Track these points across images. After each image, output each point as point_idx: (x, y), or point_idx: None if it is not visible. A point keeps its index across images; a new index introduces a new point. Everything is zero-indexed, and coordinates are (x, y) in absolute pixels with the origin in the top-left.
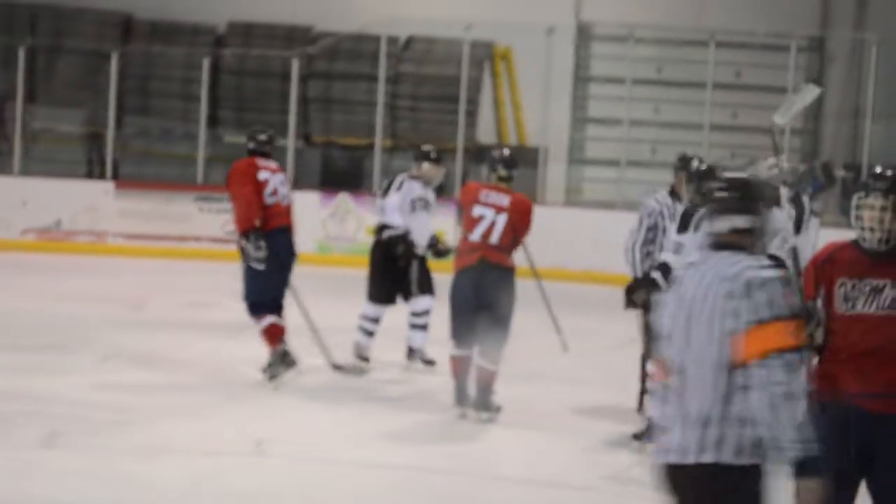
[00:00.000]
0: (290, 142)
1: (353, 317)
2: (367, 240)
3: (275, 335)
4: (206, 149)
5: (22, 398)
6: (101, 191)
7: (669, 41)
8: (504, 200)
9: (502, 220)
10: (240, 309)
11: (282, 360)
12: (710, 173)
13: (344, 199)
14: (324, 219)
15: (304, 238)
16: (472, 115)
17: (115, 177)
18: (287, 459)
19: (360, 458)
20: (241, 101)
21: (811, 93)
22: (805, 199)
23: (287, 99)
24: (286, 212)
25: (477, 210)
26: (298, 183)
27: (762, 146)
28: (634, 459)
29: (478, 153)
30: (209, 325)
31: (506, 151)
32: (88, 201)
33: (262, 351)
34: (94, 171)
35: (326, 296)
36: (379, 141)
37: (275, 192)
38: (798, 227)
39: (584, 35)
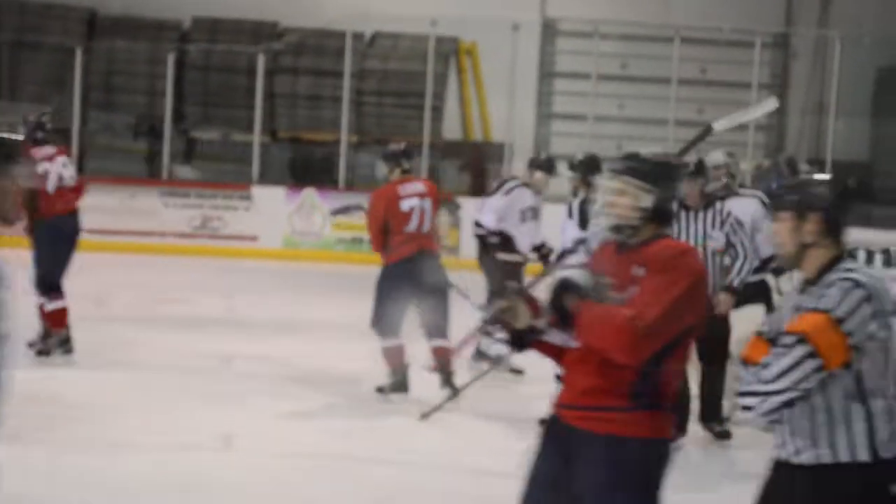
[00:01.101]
0: (256, 137)
1: (319, 310)
2: (333, 235)
3: (62, 318)
4: (171, 144)
5: None
6: None
7: (635, 37)
8: (419, 187)
9: (427, 204)
10: (206, 304)
11: (62, 344)
12: (593, 163)
13: (310, 194)
14: (290, 214)
15: (271, 233)
16: (437, 110)
17: (80, 172)
18: (254, 453)
19: (327, 451)
20: (207, 96)
21: (765, 107)
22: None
23: (253, 94)
24: (73, 194)
25: (405, 204)
26: (264, 178)
27: (728, 141)
28: None
29: (444, 149)
30: (174, 319)
31: (402, 145)
32: None
33: (227, 345)
34: None
35: (293, 291)
36: (345, 136)
37: (60, 179)
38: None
39: (549, 31)
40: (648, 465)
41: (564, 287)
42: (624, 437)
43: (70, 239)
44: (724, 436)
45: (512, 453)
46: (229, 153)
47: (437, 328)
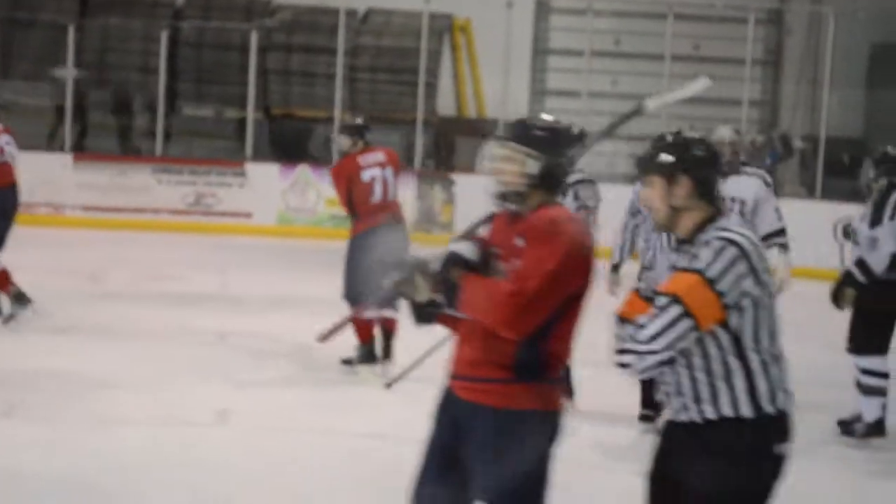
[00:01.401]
0: (250, 114)
1: (313, 286)
2: (327, 211)
3: (7, 280)
4: (164, 121)
5: None
6: (59, 163)
7: (628, 13)
8: (380, 156)
9: (389, 173)
10: (200, 280)
11: (19, 300)
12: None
13: (304, 171)
14: (284, 191)
15: (265, 210)
16: (431, 87)
17: (74, 149)
18: (249, 429)
19: (320, 426)
20: (200, 73)
21: (697, 86)
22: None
23: (246, 71)
24: (11, 170)
25: (366, 175)
26: (258, 154)
27: (722, 118)
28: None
29: (438, 126)
30: (168, 296)
31: (359, 119)
32: (46, 174)
33: (221, 321)
34: (61, 145)
35: (287, 267)
36: (338, 113)
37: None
38: None
39: (542, 7)
40: (533, 436)
41: (451, 260)
42: (507, 409)
43: (9, 211)
44: None
45: None
46: (222, 130)
47: (388, 299)
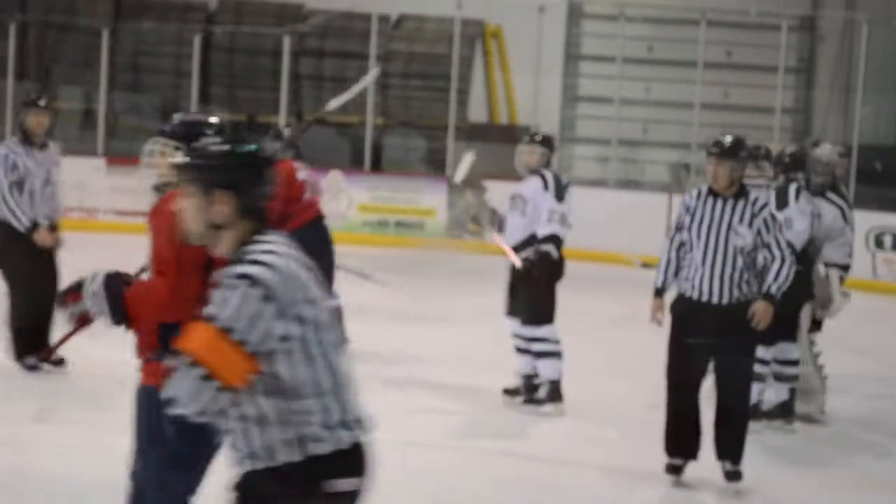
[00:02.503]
0: (282, 119)
1: (346, 293)
2: (359, 218)
3: None
4: None
5: (15, 373)
6: (91, 167)
7: (661, 20)
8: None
9: (313, 175)
10: None
11: None
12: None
13: (335, 176)
14: None
15: None
16: (462, 93)
17: (107, 153)
18: None
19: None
20: (233, 78)
21: (369, 78)
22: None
23: (278, 76)
24: None
25: (300, 174)
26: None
27: (754, 125)
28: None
29: (469, 132)
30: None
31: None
32: (79, 178)
33: None
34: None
35: None
36: (370, 119)
37: None
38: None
39: (575, 13)
40: (152, 411)
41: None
42: (142, 386)
43: None
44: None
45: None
46: (255, 135)
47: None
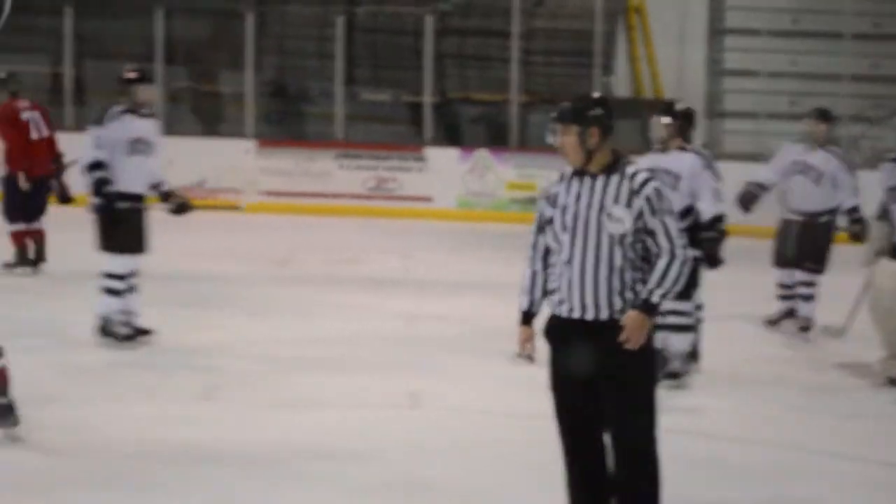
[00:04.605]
0: (427, 98)
1: (496, 270)
2: (507, 195)
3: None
4: (343, 106)
5: (178, 352)
6: (242, 150)
7: None
8: (26, 103)
9: (37, 115)
10: (385, 264)
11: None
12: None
13: (483, 154)
14: (463, 175)
15: (445, 194)
16: (606, 69)
17: (257, 136)
18: (441, 411)
19: (512, 409)
20: (376, 58)
21: None
22: None
23: (421, 56)
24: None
25: (23, 116)
26: (436, 139)
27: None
28: None
29: (615, 107)
30: (354, 280)
31: (4, 73)
32: (230, 160)
33: (410, 303)
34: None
35: (469, 251)
36: (515, 96)
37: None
38: None
39: None
40: None
41: None
42: None
43: None
44: None
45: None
46: (399, 114)
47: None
